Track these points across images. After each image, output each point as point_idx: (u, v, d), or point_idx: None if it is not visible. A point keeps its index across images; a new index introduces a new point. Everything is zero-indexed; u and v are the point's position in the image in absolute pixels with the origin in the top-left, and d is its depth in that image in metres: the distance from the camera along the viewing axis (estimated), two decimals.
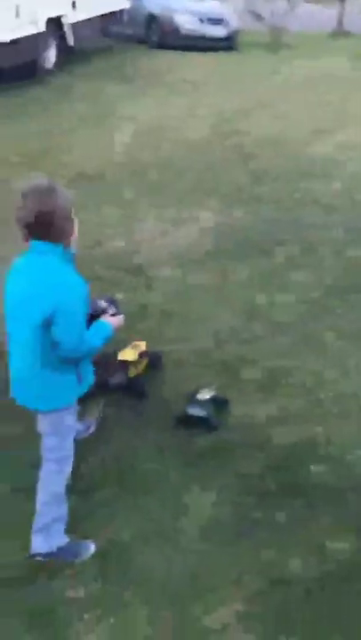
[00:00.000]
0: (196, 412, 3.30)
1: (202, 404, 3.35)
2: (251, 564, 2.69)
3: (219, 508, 2.94)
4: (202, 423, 3.29)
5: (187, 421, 3.30)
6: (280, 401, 3.61)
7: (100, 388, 3.15)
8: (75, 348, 2.40)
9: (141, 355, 3.61)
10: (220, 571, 2.66)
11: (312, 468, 3.16)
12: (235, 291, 4.69)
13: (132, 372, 3.56)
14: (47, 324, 2.33)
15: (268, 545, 2.77)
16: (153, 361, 3.71)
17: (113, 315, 2.79)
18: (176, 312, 4.41)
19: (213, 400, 3.39)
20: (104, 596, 2.55)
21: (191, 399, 3.39)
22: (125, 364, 3.54)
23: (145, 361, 3.65)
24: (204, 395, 3.40)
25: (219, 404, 3.41)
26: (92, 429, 3.33)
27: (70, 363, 2.46)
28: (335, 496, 3.02)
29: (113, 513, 2.90)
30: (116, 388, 3.48)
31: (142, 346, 3.66)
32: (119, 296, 4.43)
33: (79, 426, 3.05)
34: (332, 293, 4.68)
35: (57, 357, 2.41)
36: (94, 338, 2.49)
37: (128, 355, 3.56)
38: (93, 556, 2.69)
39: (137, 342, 3.66)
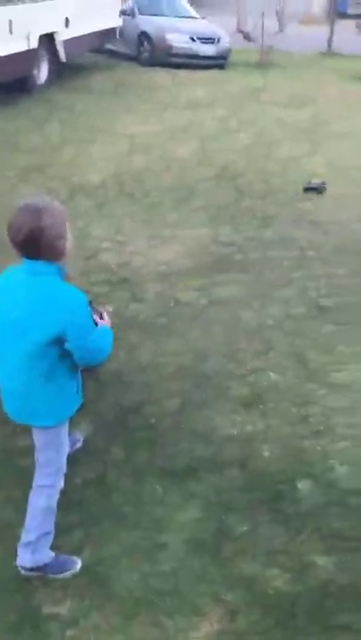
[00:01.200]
0: (314, 184, 6.86)
1: (315, 183, 6.90)
2: (233, 579, 2.69)
3: (201, 524, 2.94)
4: (315, 191, 6.83)
5: (309, 190, 6.83)
6: (266, 416, 3.63)
7: None
8: (91, 357, 2.45)
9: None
10: (203, 587, 2.66)
11: (298, 484, 3.17)
12: (220, 306, 4.72)
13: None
14: (56, 342, 2.34)
15: (252, 560, 2.77)
16: None
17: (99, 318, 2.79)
18: (160, 326, 4.44)
19: (322, 183, 6.94)
20: (87, 612, 2.54)
21: (309, 182, 7.02)
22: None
23: None
24: (316, 180, 6.98)
25: (322, 185, 6.92)
26: (79, 444, 3.33)
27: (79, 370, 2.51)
28: (320, 512, 3.03)
29: (96, 529, 2.89)
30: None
31: None
32: (109, 308, 4.45)
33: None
34: (317, 311, 4.72)
35: (66, 368, 2.43)
36: (107, 346, 2.49)
37: None
38: (78, 572, 2.69)
39: None
